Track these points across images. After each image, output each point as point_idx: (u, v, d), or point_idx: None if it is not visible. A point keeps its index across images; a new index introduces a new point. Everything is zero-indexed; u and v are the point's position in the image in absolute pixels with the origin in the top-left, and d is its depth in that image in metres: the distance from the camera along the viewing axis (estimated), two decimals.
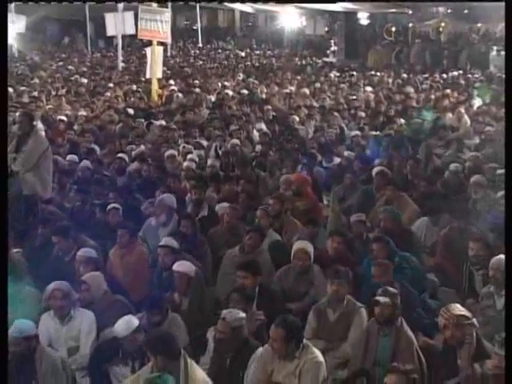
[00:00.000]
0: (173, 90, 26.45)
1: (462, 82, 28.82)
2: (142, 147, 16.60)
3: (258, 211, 11.28)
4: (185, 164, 14.78)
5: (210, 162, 15.29)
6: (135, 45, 36.06)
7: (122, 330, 7.69)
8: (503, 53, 26.53)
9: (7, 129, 6.62)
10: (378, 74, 32.17)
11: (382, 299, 7.68)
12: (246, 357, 7.66)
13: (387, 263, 8.95)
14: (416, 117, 20.07)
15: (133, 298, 9.14)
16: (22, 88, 27.18)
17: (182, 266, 9.08)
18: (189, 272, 9.05)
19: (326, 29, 43.35)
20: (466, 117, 19.54)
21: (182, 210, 12.13)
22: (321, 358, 7.47)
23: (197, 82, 30.03)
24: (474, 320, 7.58)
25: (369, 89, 26.90)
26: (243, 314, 7.74)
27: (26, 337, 7.48)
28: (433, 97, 24.52)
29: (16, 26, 28.46)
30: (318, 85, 28.65)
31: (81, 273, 9.24)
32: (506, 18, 6.91)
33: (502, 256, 8.65)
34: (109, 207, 11.65)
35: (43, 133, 13.29)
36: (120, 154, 15.34)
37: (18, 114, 15.46)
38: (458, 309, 7.56)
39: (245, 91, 26.54)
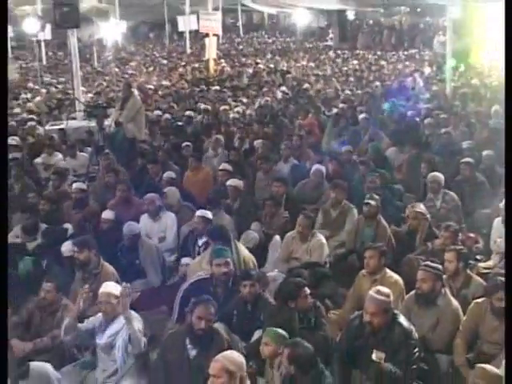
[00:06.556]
0: (223, 66, 26.22)
1: (417, 57, 28.26)
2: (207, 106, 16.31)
3: (282, 145, 11.12)
4: (234, 115, 14.62)
5: (248, 112, 15.22)
6: (198, 36, 35.36)
7: (200, 215, 7.69)
8: (442, 38, 25.77)
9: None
10: (361, 52, 31.52)
11: (370, 201, 7.69)
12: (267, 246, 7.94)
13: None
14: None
15: (199, 203, 9.02)
16: (125, 67, 27.21)
17: (234, 182, 9.00)
18: (238, 185, 8.96)
19: (326, 22, 42.63)
20: (419, 79, 19.18)
21: (232, 145, 12.02)
22: (324, 240, 7.48)
23: (239, 60, 29.75)
24: (428, 215, 7.58)
25: (355, 62, 26.52)
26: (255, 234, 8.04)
27: (132, 233, 7.59)
28: (399, 67, 24.13)
29: (120, 27, 28.43)
30: (321, 58, 28.34)
31: (165, 188, 9.19)
32: (506, 18, 5.14)
33: (436, 172, 8.69)
34: (183, 144, 11.59)
35: (138, 97, 13.17)
36: (187, 112, 15.00)
37: (122, 84, 15.49)
38: (418, 207, 7.63)
39: (272, 65, 26.24)
